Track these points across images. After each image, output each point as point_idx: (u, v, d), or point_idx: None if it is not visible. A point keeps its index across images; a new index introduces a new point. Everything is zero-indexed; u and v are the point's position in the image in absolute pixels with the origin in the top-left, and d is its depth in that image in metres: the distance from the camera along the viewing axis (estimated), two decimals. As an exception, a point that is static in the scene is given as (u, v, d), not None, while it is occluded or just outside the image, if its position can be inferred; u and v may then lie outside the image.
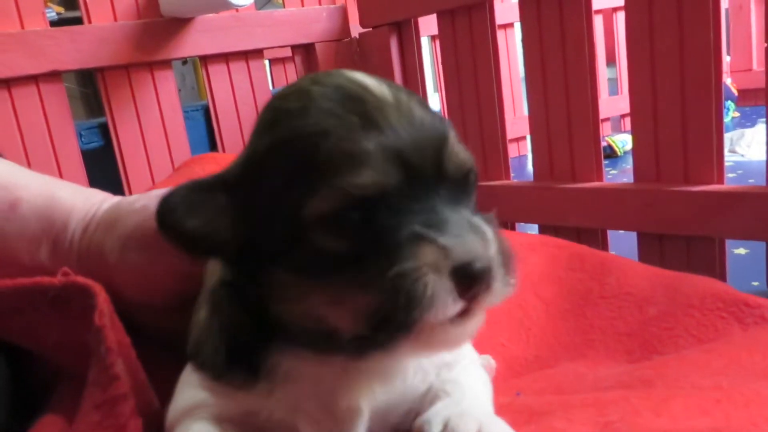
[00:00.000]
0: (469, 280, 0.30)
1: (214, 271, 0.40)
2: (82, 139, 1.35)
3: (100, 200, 0.52)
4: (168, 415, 0.38)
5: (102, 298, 0.40)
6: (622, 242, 1.15)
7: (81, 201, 0.51)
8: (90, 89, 2.73)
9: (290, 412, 0.37)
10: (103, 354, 0.36)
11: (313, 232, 0.32)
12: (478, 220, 0.32)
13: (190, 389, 0.39)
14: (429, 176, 0.32)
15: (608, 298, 0.64)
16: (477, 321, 0.33)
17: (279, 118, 0.35)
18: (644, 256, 1.04)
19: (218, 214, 0.35)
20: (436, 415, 0.36)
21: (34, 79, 1.24)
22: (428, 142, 0.33)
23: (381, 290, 0.30)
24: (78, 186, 0.55)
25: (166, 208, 0.35)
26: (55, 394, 0.47)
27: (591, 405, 0.38)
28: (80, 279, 0.42)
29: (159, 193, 0.47)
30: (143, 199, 0.48)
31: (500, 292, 0.32)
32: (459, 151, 0.34)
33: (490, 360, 0.52)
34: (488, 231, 0.32)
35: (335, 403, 0.37)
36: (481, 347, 0.46)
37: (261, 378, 0.37)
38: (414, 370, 0.40)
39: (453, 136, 0.34)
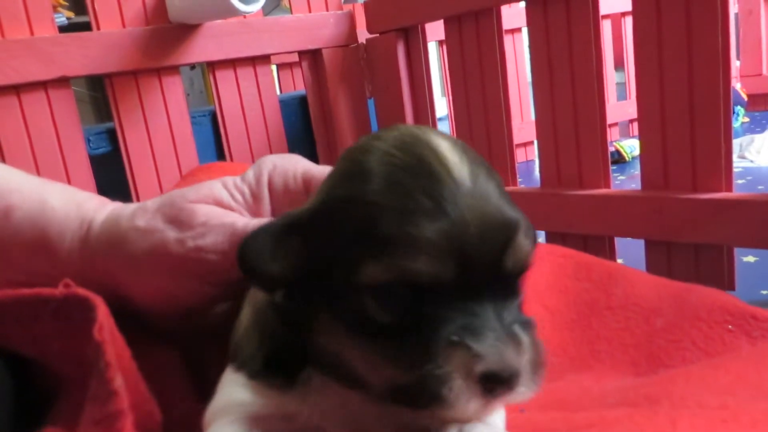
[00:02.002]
0: (494, 384, 0.32)
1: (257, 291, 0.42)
2: (91, 145, 1.36)
3: (94, 209, 0.51)
4: (206, 413, 0.40)
5: (102, 312, 0.39)
6: (630, 249, 1.14)
7: (74, 209, 0.51)
8: (100, 93, 2.76)
9: (325, 420, 0.38)
10: (102, 369, 0.36)
11: (362, 296, 0.34)
12: (516, 328, 0.33)
13: (229, 388, 0.40)
14: (486, 272, 0.33)
15: (615, 308, 0.63)
16: (494, 410, 0.35)
17: (356, 175, 0.36)
18: (652, 263, 1.03)
19: (293, 256, 0.37)
20: (450, 425, 0.37)
21: (43, 85, 1.25)
22: (494, 240, 0.33)
23: (410, 376, 0.32)
24: (69, 188, 0.54)
25: (248, 252, 0.37)
26: (56, 405, 0.47)
27: (596, 423, 0.38)
28: (81, 291, 0.42)
29: (153, 206, 0.48)
30: (142, 217, 0.48)
31: (522, 394, 0.33)
32: (523, 247, 0.34)
33: None
34: (525, 339, 0.33)
35: (363, 421, 0.38)
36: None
37: (296, 384, 0.38)
38: None
39: (522, 230, 0.35)
